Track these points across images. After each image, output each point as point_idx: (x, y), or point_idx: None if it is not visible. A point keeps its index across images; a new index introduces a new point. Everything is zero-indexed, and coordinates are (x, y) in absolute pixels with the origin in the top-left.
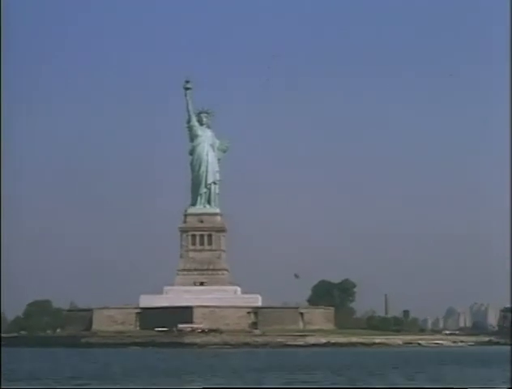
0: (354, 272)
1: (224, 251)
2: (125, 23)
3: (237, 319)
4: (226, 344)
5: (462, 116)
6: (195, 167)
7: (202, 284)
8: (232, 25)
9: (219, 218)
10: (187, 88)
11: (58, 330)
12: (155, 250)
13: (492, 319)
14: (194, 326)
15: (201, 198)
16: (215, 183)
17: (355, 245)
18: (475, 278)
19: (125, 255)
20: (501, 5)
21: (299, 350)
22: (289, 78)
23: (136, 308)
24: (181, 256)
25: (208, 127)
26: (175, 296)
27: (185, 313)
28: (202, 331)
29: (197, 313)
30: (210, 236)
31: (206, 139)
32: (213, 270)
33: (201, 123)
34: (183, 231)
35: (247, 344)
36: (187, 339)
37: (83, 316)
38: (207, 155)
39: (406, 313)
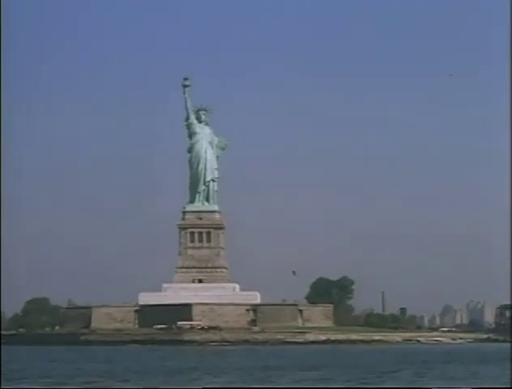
0: (352, 270)
1: (222, 249)
2: (125, 23)
3: (236, 316)
4: (225, 341)
5: (462, 116)
6: (194, 164)
7: (200, 281)
8: (232, 24)
9: (217, 215)
10: (185, 86)
11: (57, 327)
12: (153, 248)
13: (489, 317)
14: (194, 323)
15: (199, 196)
16: (213, 180)
17: (353, 242)
18: (472, 275)
19: (123, 253)
20: (501, 5)
21: (299, 347)
22: (289, 77)
23: (135, 306)
24: (179, 253)
25: (207, 125)
26: (174, 293)
27: (184, 310)
28: (202, 329)
29: (196, 310)
30: (208, 233)
31: (205, 137)
32: (212, 267)
33: (199, 121)
34: (182, 228)
35: (246, 342)
36: (186, 337)
37: (82, 314)
38: (206, 152)
39: (403, 310)
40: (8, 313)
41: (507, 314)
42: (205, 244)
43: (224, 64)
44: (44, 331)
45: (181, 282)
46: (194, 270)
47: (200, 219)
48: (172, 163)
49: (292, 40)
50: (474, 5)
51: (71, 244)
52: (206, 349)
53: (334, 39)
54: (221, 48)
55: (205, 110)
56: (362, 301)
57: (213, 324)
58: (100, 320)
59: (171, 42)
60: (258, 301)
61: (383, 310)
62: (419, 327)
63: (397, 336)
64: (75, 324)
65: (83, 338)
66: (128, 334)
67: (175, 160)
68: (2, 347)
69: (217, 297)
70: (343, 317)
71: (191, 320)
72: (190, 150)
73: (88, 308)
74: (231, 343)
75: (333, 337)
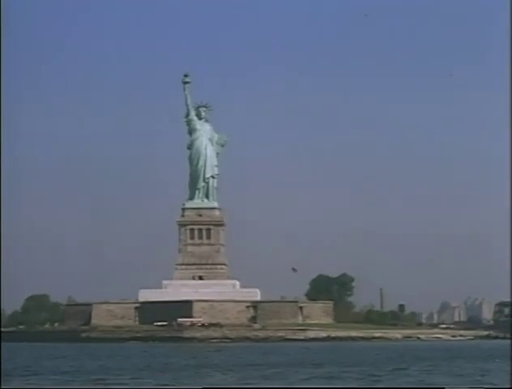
0: (352, 267)
1: (222, 245)
2: (125, 23)
3: (237, 313)
4: (226, 338)
5: (462, 116)
6: (194, 161)
7: (200, 278)
8: (232, 23)
9: (217, 212)
10: (186, 82)
11: (56, 324)
12: (153, 245)
13: (487, 313)
14: (194, 320)
15: (199, 193)
16: (213, 177)
17: (353, 240)
18: (470, 273)
19: (123, 249)
20: (501, 5)
21: (300, 344)
22: (289, 75)
23: (135, 302)
24: (179, 250)
25: (207, 121)
26: (174, 290)
27: (185, 307)
28: (202, 325)
29: (196, 307)
30: (208, 230)
31: (205, 133)
32: (212, 264)
33: (199, 117)
34: (181, 225)
35: (247, 339)
36: (187, 334)
37: (82, 310)
38: (206, 149)
39: (401, 307)
40: (7, 310)
41: (506, 310)
42: (205, 241)
43: (223, 62)
44: (44, 328)
45: (181, 279)
46: (193, 267)
47: (200, 216)
48: (172, 160)
49: (292, 39)
50: (474, 5)
51: (71, 241)
52: (207, 346)
53: (334, 39)
54: (221, 46)
55: (205, 107)
56: (362, 298)
57: (213, 321)
58: (101, 317)
59: (171, 41)
60: (259, 297)
61: (382, 307)
62: (419, 324)
63: (397, 333)
64: (75, 321)
65: (83, 335)
66: (129, 331)
67: (175, 157)
68: (3, 344)
69: (217, 294)
70: (343, 314)
71: (191, 317)
72: (190, 146)
73: (89, 305)
74: (231, 340)
75: (333, 334)
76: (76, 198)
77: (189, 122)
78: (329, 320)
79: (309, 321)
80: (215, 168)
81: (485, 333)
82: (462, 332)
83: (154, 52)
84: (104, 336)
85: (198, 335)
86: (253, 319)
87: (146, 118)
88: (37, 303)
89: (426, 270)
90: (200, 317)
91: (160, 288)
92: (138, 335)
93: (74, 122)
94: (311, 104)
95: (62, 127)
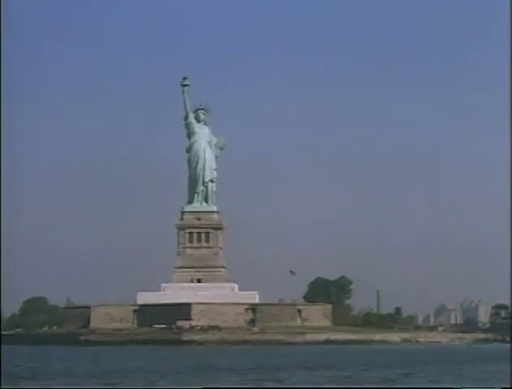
0: (350, 270)
1: (221, 248)
2: (125, 23)
3: (235, 316)
4: (225, 341)
5: (462, 117)
6: (192, 164)
7: (199, 281)
8: (232, 24)
9: (216, 216)
10: (184, 85)
11: (54, 327)
12: (152, 248)
13: (483, 316)
14: (193, 323)
15: (198, 196)
16: (212, 181)
17: (351, 242)
18: (466, 275)
19: (121, 252)
20: (502, 5)
21: (301, 347)
22: (288, 76)
23: (134, 305)
24: (178, 253)
25: (205, 124)
26: (172, 293)
27: (183, 310)
28: (202, 329)
29: (195, 310)
30: (207, 233)
31: (204, 137)
32: (210, 267)
33: (198, 120)
34: (180, 228)
35: (246, 341)
36: (186, 337)
37: (81, 313)
38: (205, 152)
39: (398, 310)
40: (5, 312)
41: (503, 313)
42: (203, 244)
43: (223, 64)
44: (42, 330)
45: (179, 282)
46: (192, 269)
47: (199, 219)
48: (171, 163)
49: (291, 39)
50: (474, 5)
51: (70, 243)
52: (207, 349)
53: (334, 39)
54: (221, 48)
55: (204, 110)
56: (360, 301)
57: (212, 324)
58: (99, 320)
59: (170, 42)
60: (257, 300)
61: (378, 309)
62: (416, 327)
63: (396, 336)
64: (74, 324)
65: (82, 338)
66: (127, 334)
67: (174, 160)
68: (3, 346)
69: (216, 297)
70: (342, 316)
71: (190, 319)
72: (189, 150)
73: (87, 307)
74: (231, 342)
75: (332, 337)
76: (75, 201)
77: (187, 125)
78: (327, 323)
79: (307, 324)
80: (214, 172)
81: (484, 336)
82: (460, 335)
83: (153, 52)
84: (102, 339)
85: (197, 338)
86: (252, 322)
87: (145, 120)
88: (36, 305)
89: (423, 272)
90: (199, 320)
91: (159, 290)
92: (137, 337)
93: (73, 123)
94: (311, 106)
95: (62, 128)
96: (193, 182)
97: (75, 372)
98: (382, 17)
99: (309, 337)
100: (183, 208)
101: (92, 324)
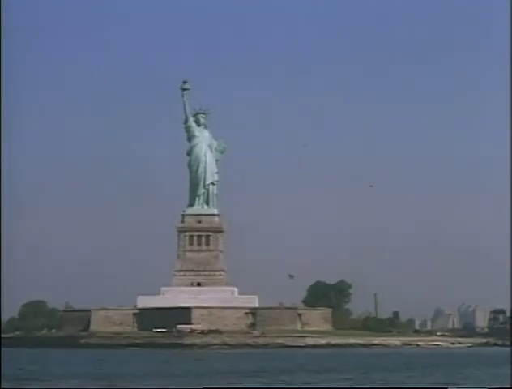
0: (350, 274)
1: (221, 252)
2: (126, 24)
3: (235, 320)
4: (226, 344)
5: (462, 118)
6: (193, 167)
7: (199, 284)
8: (233, 26)
9: (216, 219)
10: (184, 89)
11: (53, 330)
12: (152, 251)
13: (481, 321)
14: (194, 327)
15: (199, 199)
16: (213, 184)
17: (351, 246)
18: (463, 280)
19: (121, 255)
20: (502, 5)
21: (301, 351)
22: (288, 78)
23: (134, 309)
24: (178, 257)
25: (206, 128)
26: (172, 297)
27: (184, 314)
28: (202, 332)
29: (195, 314)
30: (207, 236)
31: (204, 140)
32: (210, 271)
33: (198, 124)
34: (181, 231)
35: (247, 345)
36: (187, 340)
37: (80, 317)
38: (205, 155)
39: (396, 314)
40: (4, 316)
41: (501, 318)
42: (204, 247)
43: (223, 67)
44: (41, 333)
45: (179, 285)
46: (192, 273)
47: (199, 222)
48: (171, 163)
49: (292, 40)
50: (474, 5)
51: (69, 247)
52: (208, 353)
53: (334, 39)
54: (221, 50)
55: (204, 113)
56: (359, 305)
57: (212, 327)
58: (99, 323)
59: (171, 43)
60: (257, 304)
61: (376, 314)
62: (415, 331)
63: (396, 340)
64: (73, 327)
65: (82, 341)
66: (128, 337)
67: (174, 163)
68: (3, 349)
69: (216, 301)
70: (341, 320)
71: (190, 323)
72: (190, 153)
73: (87, 311)
74: (231, 346)
75: (333, 341)
76: (75, 204)
77: (188, 129)
78: (327, 327)
79: (307, 328)
80: (215, 175)
81: (484, 340)
82: (460, 340)
83: (154, 53)
84: (103, 342)
85: (198, 341)
86: (252, 326)
87: (146, 120)
88: (35, 309)
89: (420, 277)
90: (199, 323)
91: (158, 294)
92: (137, 341)
93: (74, 124)
94: (310, 105)
95: (62, 129)
96: (194, 185)
97: (77, 374)
98: (383, 17)
99: (310, 340)
100: (184, 211)
101: (92, 327)
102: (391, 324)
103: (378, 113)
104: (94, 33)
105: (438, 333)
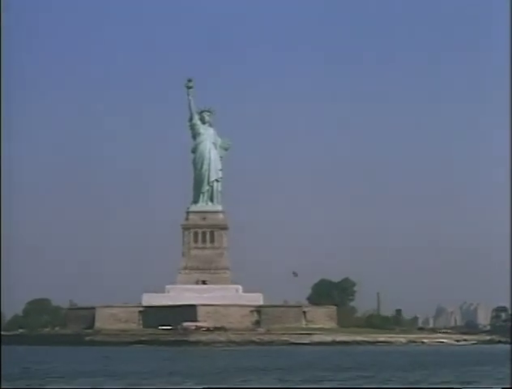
0: (354, 271)
1: (226, 249)
2: (128, 24)
3: (240, 318)
4: (231, 342)
5: (461, 118)
6: (198, 165)
7: (204, 282)
8: (236, 25)
9: (221, 216)
10: (189, 87)
11: (57, 328)
12: (156, 248)
13: (483, 318)
14: (199, 324)
15: (203, 196)
16: (217, 181)
17: (355, 244)
18: (465, 278)
19: (125, 253)
20: (502, 5)
21: (307, 348)
22: (291, 78)
23: (139, 306)
24: (183, 254)
25: (210, 126)
26: (177, 294)
27: (189, 311)
28: (207, 330)
29: (201, 311)
30: (212, 233)
31: (209, 137)
32: (215, 269)
33: (203, 121)
34: (185, 228)
35: (252, 342)
36: (192, 338)
37: (85, 314)
38: (210, 153)
39: (398, 312)
40: (7, 314)
41: (503, 315)
42: (208, 244)
43: (227, 65)
44: (45, 331)
45: (184, 283)
46: (197, 271)
47: (204, 219)
48: (176, 163)
49: (292, 40)
50: (474, 5)
51: (73, 244)
52: (213, 350)
53: (335, 39)
54: (224, 48)
55: (209, 111)
56: (363, 303)
57: (218, 325)
58: (104, 320)
59: (175, 42)
60: (261, 302)
61: (378, 311)
62: (419, 329)
63: (402, 338)
64: (77, 325)
65: (88, 338)
66: (133, 334)
67: (179, 160)
68: (7, 347)
69: (220, 299)
70: (346, 318)
71: (196, 321)
72: (194, 150)
73: (91, 308)
74: (237, 343)
75: (338, 338)
76: (78, 201)
77: (192, 127)
78: (332, 325)
79: (312, 325)
80: (220, 172)
81: (487, 338)
82: (465, 337)
83: (157, 52)
84: (108, 340)
85: (203, 338)
86: (257, 324)
87: (150, 118)
88: (39, 307)
89: (422, 275)
90: (205, 321)
91: (163, 292)
92: (142, 338)
93: (74, 124)
94: (313, 104)
95: (63, 129)
96: (198, 182)
97: (86, 372)
98: (382, 17)
99: (315, 338)
100: (188, 208)
101: (97, 325)
102: (395, 322)
103: (378, 113)
104: (94, 33)
105: (442, 331)
